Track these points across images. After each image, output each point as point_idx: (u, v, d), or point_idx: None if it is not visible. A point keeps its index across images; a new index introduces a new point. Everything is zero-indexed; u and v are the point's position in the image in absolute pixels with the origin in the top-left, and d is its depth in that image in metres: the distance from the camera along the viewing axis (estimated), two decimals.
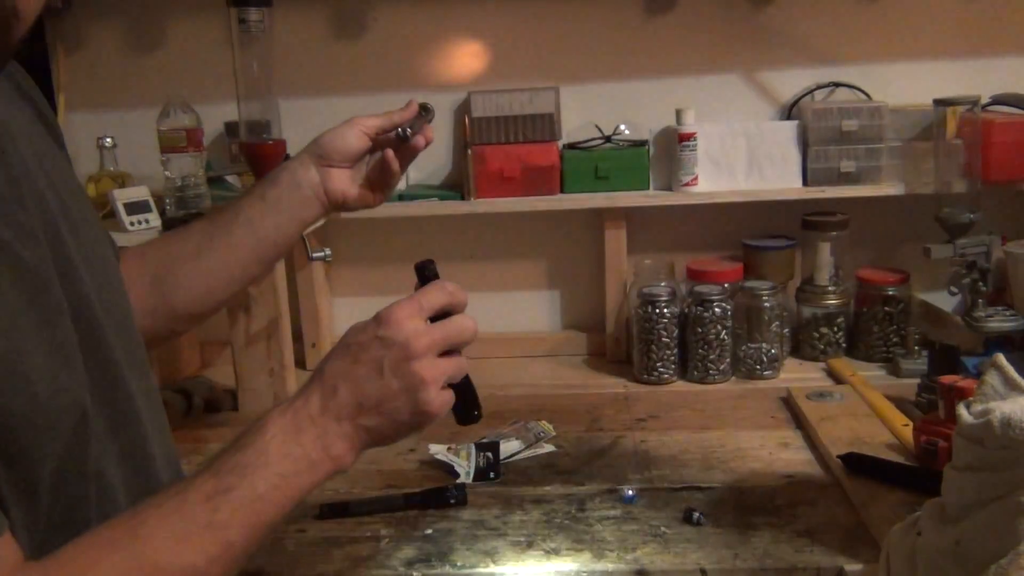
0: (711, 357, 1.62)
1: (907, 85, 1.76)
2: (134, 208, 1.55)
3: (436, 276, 0.89)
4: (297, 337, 1.78)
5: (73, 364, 0.72)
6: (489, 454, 1.32)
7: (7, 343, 0.66)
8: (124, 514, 0.73)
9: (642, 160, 1.75)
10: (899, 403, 1.42)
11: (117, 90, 1.86)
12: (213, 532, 0.72)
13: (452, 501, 1.21)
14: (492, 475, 1.30)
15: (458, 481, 1.28)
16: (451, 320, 0.84)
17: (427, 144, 1.16)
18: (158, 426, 0.87)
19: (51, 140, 0.85)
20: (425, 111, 1.16)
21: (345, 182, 1.13)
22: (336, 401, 0.80)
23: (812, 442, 1.36)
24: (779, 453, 1.34)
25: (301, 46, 1.79)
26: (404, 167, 1.15)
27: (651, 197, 1.75)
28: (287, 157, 1.54)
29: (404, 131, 1.13)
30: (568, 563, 1.08)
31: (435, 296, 0.84)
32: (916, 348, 1.60)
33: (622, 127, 1.77)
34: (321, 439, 0.79)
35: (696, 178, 1.72)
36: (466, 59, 1.81)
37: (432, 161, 1.86)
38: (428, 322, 0.83)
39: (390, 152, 1.13)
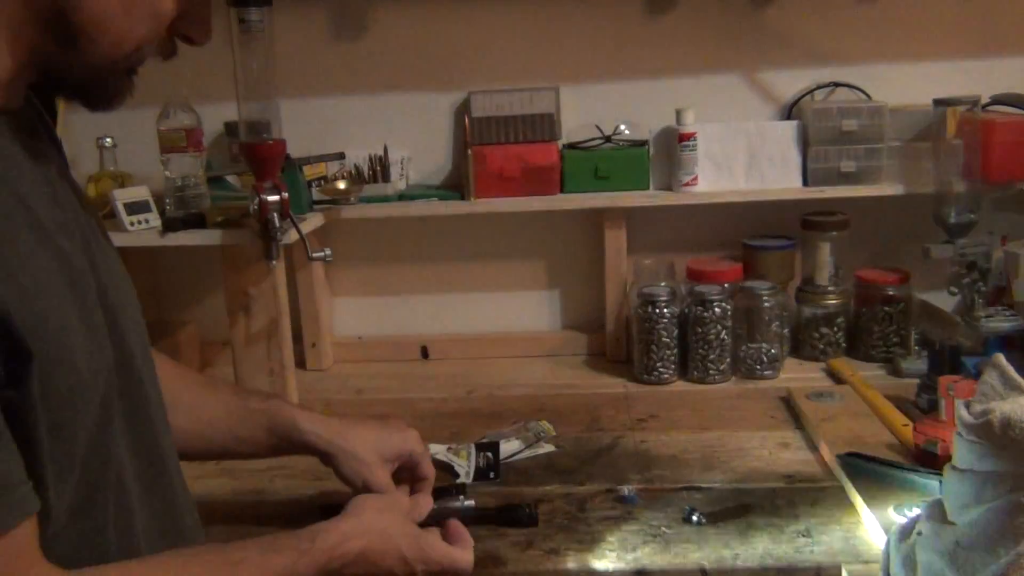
0: (711, 357, 1.62)
1: (907, 85, 1.76)
2: (134, 208, 1.55)
3: None
4: (297, 337, 1.78)
5: (104, 346, 0.77)
6: (489, 454, 1.32)
7: (58, 319, 0.70)
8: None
9: (642, 160, 1.75)
10: (899, 403, 1.42)
11: None
12: None
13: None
14: (492, 475, 1.30)
15: (458, 481, 1.28)
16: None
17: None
18: (164, 422, 0.89)
19: (54, 149, 0.87)
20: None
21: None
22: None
23: (812, 442, 1.36)
24: (779, 453, 1.34)
25: (301, 46, 1.80)
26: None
27: (651, 197, 1.75)
28: (288, 158, 1.55)
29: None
30: (568, 563, 1.08)
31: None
32: (916, 348, 1.60)
33: (622, 127, 1.77)
34: None
35: (696, 178, 1.72)
36: (466, 59, 1.81)
37: (432, 161, 1.86)
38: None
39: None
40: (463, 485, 1.24)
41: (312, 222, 1.62)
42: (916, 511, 0.93)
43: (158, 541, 0.83)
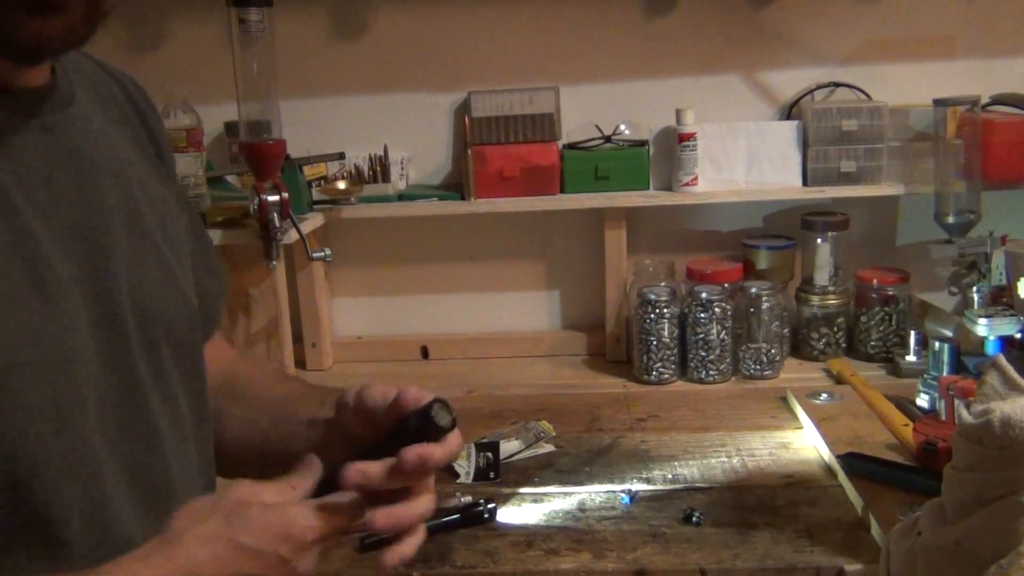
0: (711, 357, 1.62)
1: (907, 85, 1.76)
2: None
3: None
4: (297, 337, 1.78)
5: (63, 340, 0.69)
6: (489, 454, 1.32)
7: None
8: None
9: (642, 160, 1.75)
10: (899, 403, 1.42)
11: None
12: None
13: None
14: (492, 475, 1.30)
15: (457, 481, 1.28)
16: None
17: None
18: (180, 454, 0.81)
19: (146, 160, 0.84)
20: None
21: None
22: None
23: (812, 442, 1.36)
24: (779, 453, 1.34)
25: (301, 46, 1.79)
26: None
27: (651, 197, 1.75)
28: (288, 158, 1.55)
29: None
30: (568, 563, 1.08)
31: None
32: (916, 348, 1.60)
33: (622, 127, 1.77)
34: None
35: (696, 178, 1.72)
36: (466, 59, 1.81)
37: (432, 161, 1.86)
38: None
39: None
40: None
41: (312, 222, 1.62)
42: (916, 511, 0.93)
43: None
